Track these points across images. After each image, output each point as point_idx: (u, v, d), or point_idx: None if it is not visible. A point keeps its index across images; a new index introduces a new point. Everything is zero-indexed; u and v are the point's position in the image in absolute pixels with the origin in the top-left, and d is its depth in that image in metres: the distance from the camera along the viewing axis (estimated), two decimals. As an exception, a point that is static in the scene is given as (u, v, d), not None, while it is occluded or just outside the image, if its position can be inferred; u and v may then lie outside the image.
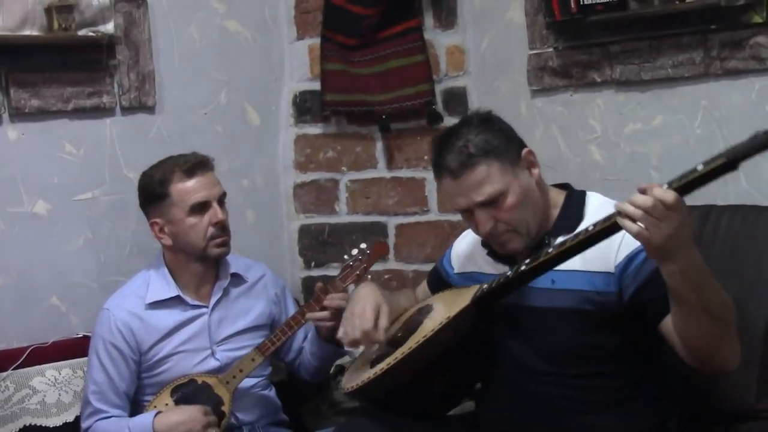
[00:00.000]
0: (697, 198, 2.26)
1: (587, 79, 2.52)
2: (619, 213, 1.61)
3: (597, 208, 1.92)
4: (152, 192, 2.37)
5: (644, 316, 1.81)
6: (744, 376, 1.99)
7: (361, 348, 2.11)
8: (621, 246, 1.83)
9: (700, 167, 1.54)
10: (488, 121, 1.95)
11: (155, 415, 2.28)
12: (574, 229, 1.84)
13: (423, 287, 2.29)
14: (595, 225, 1.69)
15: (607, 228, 1.67)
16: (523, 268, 1.83)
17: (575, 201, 1.97)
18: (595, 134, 2.55)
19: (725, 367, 1.77)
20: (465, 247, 2.17)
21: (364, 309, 2.02)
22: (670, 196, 1.55)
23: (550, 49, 2.59)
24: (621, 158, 2.49)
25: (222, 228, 2.37)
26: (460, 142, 1.89)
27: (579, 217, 1.93)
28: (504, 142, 1.91)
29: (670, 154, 2.40)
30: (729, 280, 2.02)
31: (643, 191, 1.57)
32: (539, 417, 1.91)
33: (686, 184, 1.55)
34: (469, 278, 2.09)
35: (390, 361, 1.95)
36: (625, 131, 2.48)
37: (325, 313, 2.38)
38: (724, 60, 2.24)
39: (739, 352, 1.76)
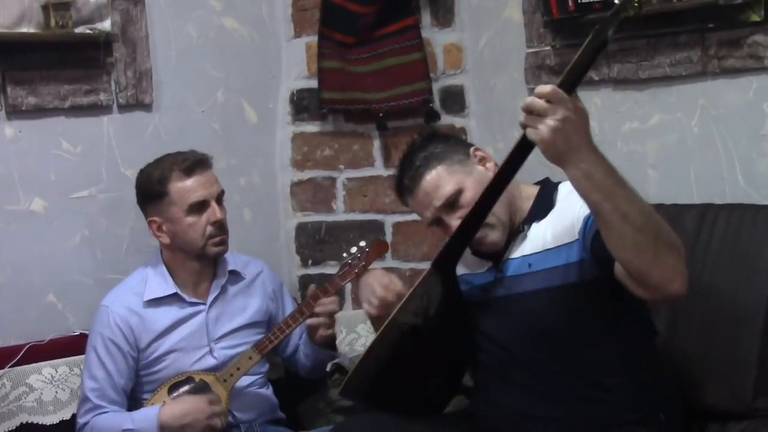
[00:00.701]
0: (695, 197, 2.30)
1: (584, 77, 2.51)
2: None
3: (567, 194, 1.95)
4: (150, 190, 2.37)
5: (602, 267, 1.80)
6: (740, 374, 2.00)
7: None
8: (580, 212, 1.86)
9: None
10: (430, 137, 2.09)
11: (160, 407, 2.27)
12: (546, 216, 1.96)
13: None
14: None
15: (517, 145, 1.70)
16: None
17: (547, 191, 2.03)
18: (592, 133, 2.54)
19: (668, 288, 1.66)
20: None
21: (373, 273, 2.17)
22: (546, 88, 1.58)
23: (548, 48, 2.59)
24: (618, 157, 2.45)
25: (220, 227, 2.37)
26: (407, 163, 2.03)
27: (550, 204, 1.99)
28: (446, 148, 2.03)
29: (667, 153, 2.40)
30: (725, 278, 2.04)
31: None
32: (530, 406, 1.92)
33: (566, 75, 1.60)
34: (461, 280, 2.09)
35: (370, 343, 2.00)
36: (622, 130, 2.48)
37: (321, 319, 2.37)
38: (722, 59, 2.24)
39: (685, 275, 1.67)
